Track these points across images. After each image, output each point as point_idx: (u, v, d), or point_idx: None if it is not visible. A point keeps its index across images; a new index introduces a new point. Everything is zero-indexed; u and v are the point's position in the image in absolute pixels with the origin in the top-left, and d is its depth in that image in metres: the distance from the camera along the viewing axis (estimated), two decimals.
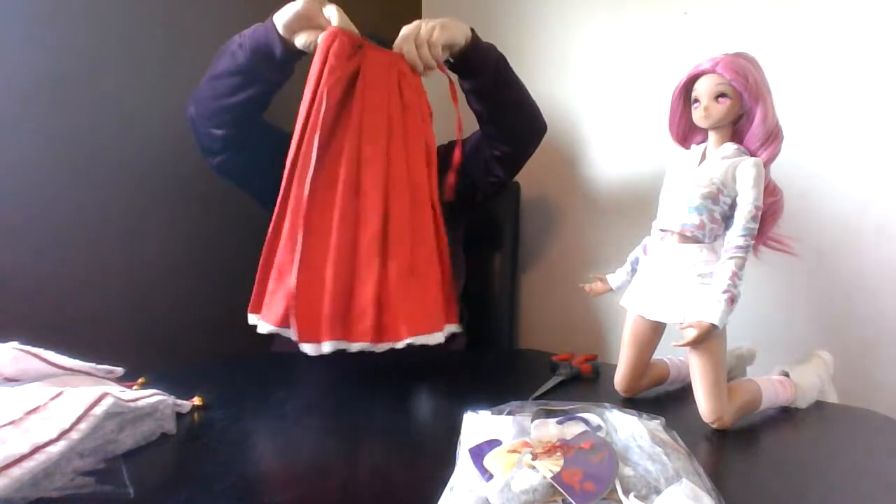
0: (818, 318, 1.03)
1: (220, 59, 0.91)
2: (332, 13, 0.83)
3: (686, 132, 0.75)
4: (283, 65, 0.89)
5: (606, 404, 0.60)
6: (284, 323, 0.80)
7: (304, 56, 0.89)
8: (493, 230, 1.35)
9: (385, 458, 0.63)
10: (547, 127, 1.08)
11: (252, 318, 0.83)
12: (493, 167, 1.08)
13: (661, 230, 0.74)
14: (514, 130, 1.04)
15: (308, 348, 0.79)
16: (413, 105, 0.89)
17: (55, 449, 0.49)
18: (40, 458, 0.48)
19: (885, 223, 0.96)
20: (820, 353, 0.83)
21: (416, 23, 0.88)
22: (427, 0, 1.62)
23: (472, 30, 0.93)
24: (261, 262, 0.83)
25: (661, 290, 0.72)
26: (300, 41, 0.85)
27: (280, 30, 0.85)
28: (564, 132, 1.32)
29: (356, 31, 0.84)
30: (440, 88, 0.96)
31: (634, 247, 0.82)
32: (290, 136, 1.07)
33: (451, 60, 0.94)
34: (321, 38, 0.82)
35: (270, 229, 0.83)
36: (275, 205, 1.12)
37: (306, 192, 0.81)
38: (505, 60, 0.98)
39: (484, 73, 0.95)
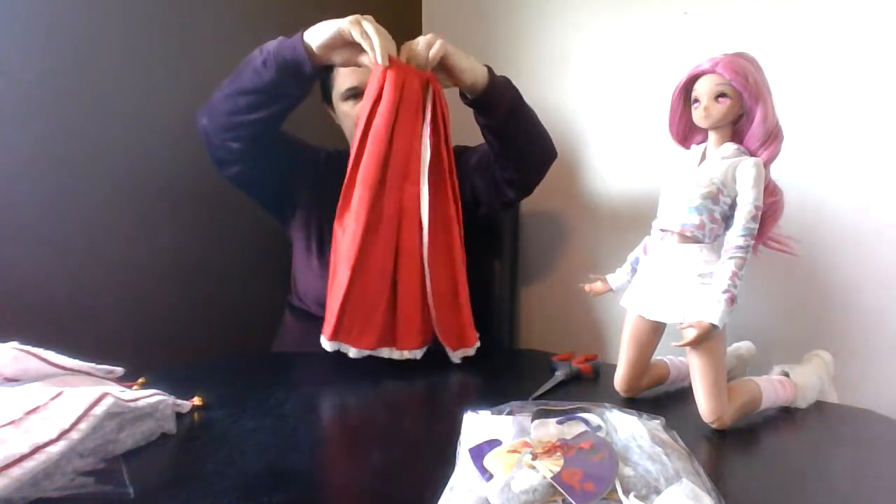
0: (818, 318, 1.03)
1: (240, 75, 0.91)
2: (372, 36, 0.83)
3: (686, 132, 0.75)
4: (311, 81, 0.90)
5: (606, 404, 0.60)
6: (382, 344, 0.89)
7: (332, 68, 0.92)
8: (494, 230, 1.35)
9: (385, 458, 0.63)
10: (557, 154, 1.09)
11: (334, 345, 0.87)
12: (504, 189, 1.08)
13: (661, 230, 0.74)
14: (525, 160, 1.04)
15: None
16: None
17: (55, 449, 0.49)
18: (40, 458, 0.48)
19: (886, 224, 0.96)
20: (820, 353, 0.83)
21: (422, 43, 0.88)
22: (427, 3, 1.62)
23: (489, 68, 0.94)
24: (347, 293, 0.86)
25: (661, 290, 0.72)
26: (339, 58, 0.87)
27: (316, 50, 0.85)
28: (564, 133, 1.32)
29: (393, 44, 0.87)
30: None
31: (634, 247, 0.82)
32: (301, 143, 1.08)
33: (469, 97, 0.95)
34: (388, 75, 0.84)
35: (355, 262, 0.85)
36: (283, 211, 1.13)
37: (425, 231, 0.89)
38: (519, 95, 0.99)
39: (499, 111, 0.95)
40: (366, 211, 0.85)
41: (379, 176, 0.86)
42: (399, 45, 0.89)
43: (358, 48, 0.85)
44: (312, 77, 0.89)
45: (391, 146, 0.86)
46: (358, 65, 0.88)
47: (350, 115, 1.05)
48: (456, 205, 0.94)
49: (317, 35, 0.85)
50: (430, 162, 0.88)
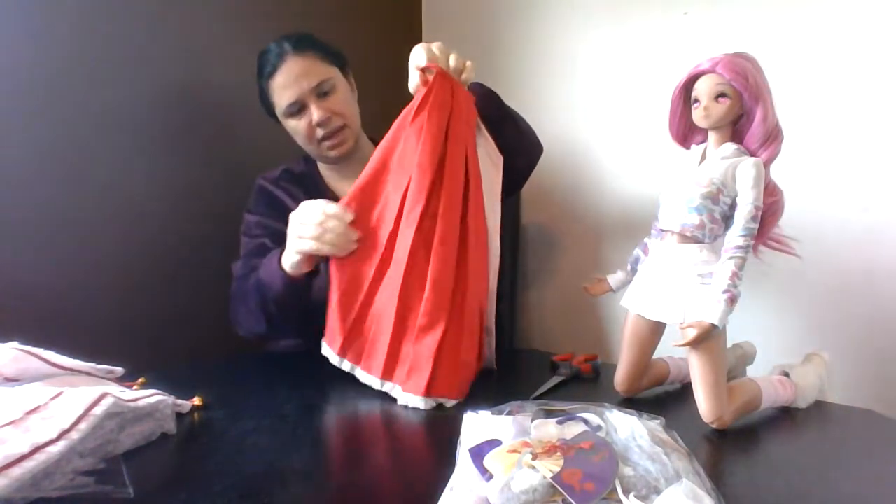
0: (818, 318, 1.03)
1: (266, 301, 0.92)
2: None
3: (686, 132, 0.75)
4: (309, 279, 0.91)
5: (606, 404, 0.60)
6: (387, 377, 0.80)
7: None
8: None
9: (385, 458, 0.63)
10: (543, 149, 1.07)
11: (430, 402, 0.76)
12: None
13: (662, 230, 0.74)
14: (513, 165, 1.00)
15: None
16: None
17: (55, 449, 0.49)
18: (40, 458, 0.48)
19: (886, 223, 0.96)
20: (820, 353, 0.83)
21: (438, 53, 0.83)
22: (427, 12, 1.62)
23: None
24: (360, 310, 0.81)
25: (661, 290, 0.72)
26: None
27: (296, 275, 0.87)
28: (566, 134, 1.32)
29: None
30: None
31: (634, 247, 0.82)
32: (272, 215, 1.06)
33: None
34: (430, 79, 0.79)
35: (454, 303, 0.79)
36: None
37: (495, 258, 0.85)
38: (500, 104, 0.96)
39: (485, 126, 0.93)
40: (455, 240, 0.79)
41: (464, 201, 0.81)
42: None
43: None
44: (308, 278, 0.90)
45: (468, 165, 0.82)
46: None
47: (298, 129, 1.03)
48: None
49: (291, 264, 0.86)
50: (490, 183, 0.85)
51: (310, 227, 0.82)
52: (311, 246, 0.82)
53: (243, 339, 1.15)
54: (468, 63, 0.84)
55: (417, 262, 0.79)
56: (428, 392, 0.75)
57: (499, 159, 0.88)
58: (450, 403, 0.77)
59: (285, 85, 0.99)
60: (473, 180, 0.83)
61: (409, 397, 0.76)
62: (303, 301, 0.91)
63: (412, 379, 0.76)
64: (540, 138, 1.07)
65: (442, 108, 0.79)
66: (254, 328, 0.99)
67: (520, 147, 1.02)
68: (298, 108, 1.01)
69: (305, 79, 0.99)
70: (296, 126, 1.03)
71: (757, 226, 0.66)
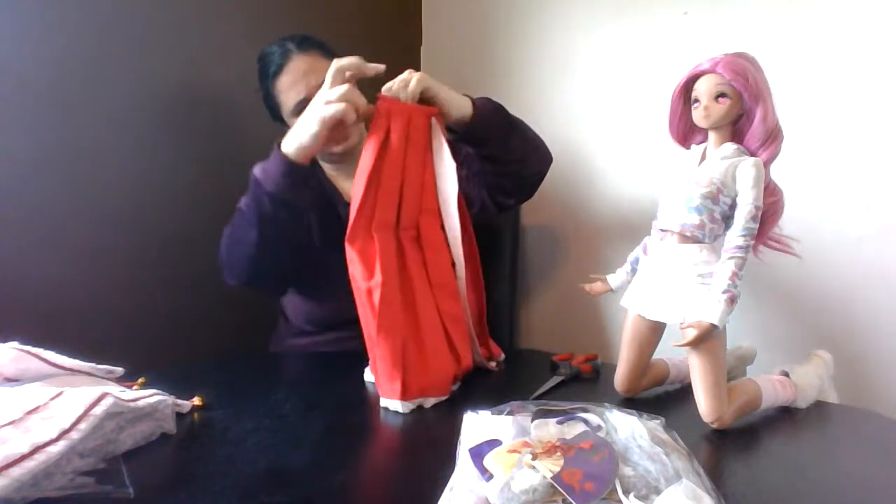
0: (818, 319, 1.03)
1: (252, 231, 0.91)
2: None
3: (686, 132, 0.75)
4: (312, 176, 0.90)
5: (606, 404, 0.60)
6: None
7: None
8: (493, 229, 1.35)
9: (385, 458, 0.63)
10: (552, 158, 1.06)
11: (408, 405, 0.75)
12: (500, 199, 1.06)
13: (661, 230, 0.74)
14: (522, 175, 1.02)
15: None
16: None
17: (55, 449, 0.49)
18: (40, 458, 0.48)
19: (886, 223, 0.96)
20: (820, 353, 0.83)
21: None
22: (427, 19, 1.61)
23: (472, 100, 0.90)
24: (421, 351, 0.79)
25: (660, 290, 0.72)
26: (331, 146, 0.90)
27: (302, 158, 0.86)
28: (566, 134, 1.32)
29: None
30: None
31: (634, 247, 0.82)
32: None
33: (458, 132, 0.91)
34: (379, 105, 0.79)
35: (404, 318, 0.79)
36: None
37: (460, 265, 0.87)
38: (507, 116, 0.95)
39: (491, 140, 0.93)
40: (395, 256, 0.79)
41: (396, 216, 0.81)
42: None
43: (340, 125, 0.84)
44: (311, 172, 0.89)
45: (403, 184, 0.82)
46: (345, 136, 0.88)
47: None
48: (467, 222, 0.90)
49: (294, 146, 0.85)
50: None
51: (335, 92, 0.81)
52: (336, 108, 0.81)
53: (243, 338, 1.15)
54: (415, 76, 0.82)
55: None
56: (403, 396, 0.74)
57: (452, 165, 0.86)
58: (429, 402, 0.76)
59: (292, 84, 0.99)
60: (427, 191, 0.84)
61: (388, 402, 0.75)
62: (300, 199, 0.90)
63: (385, 385, 0.76)
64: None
65: (377, 130, 0.79)
66: (243, 254, 0.95)
67: (526, 158, 1.01)
68: (306, 106, 1.01)
69: (313, 75, 0.99)
70: None
71: (757, 226, 0.66)
